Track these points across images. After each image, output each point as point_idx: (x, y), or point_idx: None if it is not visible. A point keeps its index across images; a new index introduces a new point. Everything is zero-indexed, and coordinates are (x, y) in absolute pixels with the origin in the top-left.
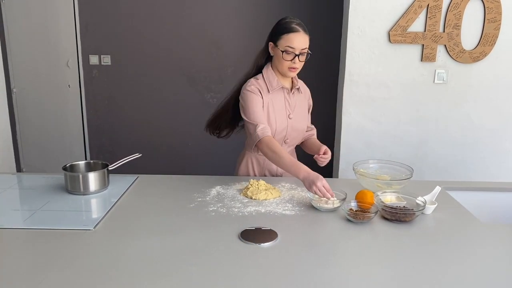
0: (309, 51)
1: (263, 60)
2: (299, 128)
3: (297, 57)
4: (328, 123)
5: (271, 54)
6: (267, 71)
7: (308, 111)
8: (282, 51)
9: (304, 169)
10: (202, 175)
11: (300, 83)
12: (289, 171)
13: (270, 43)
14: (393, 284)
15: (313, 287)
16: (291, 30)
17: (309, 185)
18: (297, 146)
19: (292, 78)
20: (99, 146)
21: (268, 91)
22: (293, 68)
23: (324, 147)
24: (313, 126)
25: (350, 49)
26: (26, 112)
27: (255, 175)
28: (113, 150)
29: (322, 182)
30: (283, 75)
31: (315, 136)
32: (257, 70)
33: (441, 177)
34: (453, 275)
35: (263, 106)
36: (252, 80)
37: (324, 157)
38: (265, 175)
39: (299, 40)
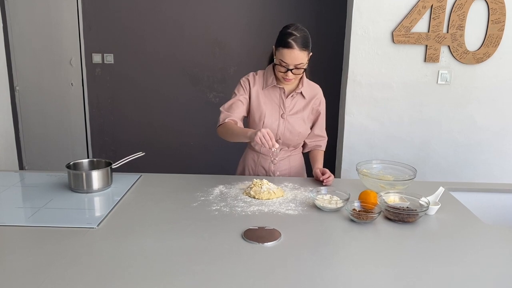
0: (304, 67)
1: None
2: (294, 130)
3: (289, 71)
4: (331, 123)
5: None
6: (269, 68)
7: (317, 119)
8: (276, 63)
9: (252, 130)
10: (205, 174)
11: (309, 88)
12: (239, 137)
13: (273, 47)
14: (396, 284)
15: (316, 287)
16: (285, 45)
17: (254, 134)
18: (306, 156)
19: (299, 81)
20: (101, 145)
21: (263, 87)
22: (287, 79)
23: (320, 170)
24: (323, 135)
25: (354, 49)
26: (29, 110)
27: (250, 173)
28: (115, 148)
29: (266, 130)
30: (280, 80)
31: (321, 149)
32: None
33: (443, 178)
34: (456, 276)
35: (249, 98)
36: (251, 73)
37: (328, 180)
38: (258, 174)
39: (292, 57)
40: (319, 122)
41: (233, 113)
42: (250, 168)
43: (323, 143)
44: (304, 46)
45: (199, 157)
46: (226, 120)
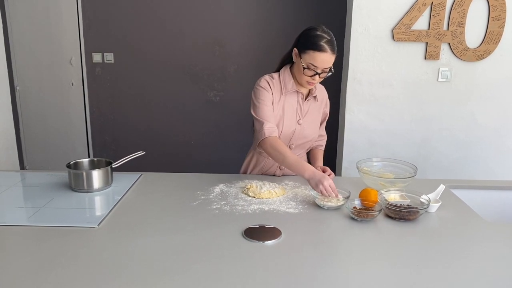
0: (332, 70)
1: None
2: (307, 135)
3: (317, 74)
4: (332, 122)
5: (294, 61)
6: (285, 72)
7: (324, 120)
8: (304, 67)
9: (310, 168)
10: (205, 173)
11: (319, 90)
12: (294, 170)
13: (295, 49)
14: (397, 282)
15: (316, 285)
16: (319, 49)
17: (315, 184)
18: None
19: None
20: (102, 144)
21: (282, 93)
22: (312, 83)
23: (321, 168)
24: (324, 134)
25: (354, 47)
26: (30, 110)
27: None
28: (116, 148)
29: (328, 181)
30: (301, 85)
31: (322, 148)
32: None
33: (444, 176)
34: (457, 273)
35: (272, 103)
36: (266, 76)
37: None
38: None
39: (324, 61)
40: (323, 122)
41: (272, 121)
42: (251, 171)
43: (323, 142)
44: (335, 49)
45: (200, 156)
46: (272, 135)
